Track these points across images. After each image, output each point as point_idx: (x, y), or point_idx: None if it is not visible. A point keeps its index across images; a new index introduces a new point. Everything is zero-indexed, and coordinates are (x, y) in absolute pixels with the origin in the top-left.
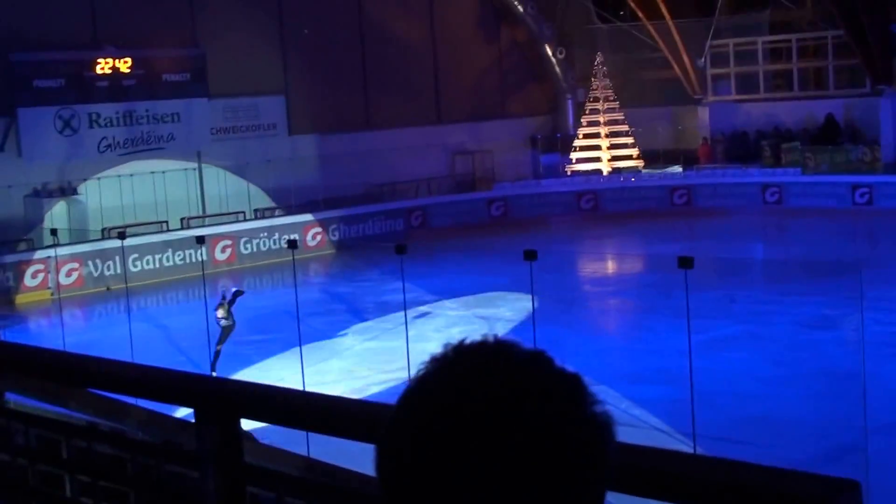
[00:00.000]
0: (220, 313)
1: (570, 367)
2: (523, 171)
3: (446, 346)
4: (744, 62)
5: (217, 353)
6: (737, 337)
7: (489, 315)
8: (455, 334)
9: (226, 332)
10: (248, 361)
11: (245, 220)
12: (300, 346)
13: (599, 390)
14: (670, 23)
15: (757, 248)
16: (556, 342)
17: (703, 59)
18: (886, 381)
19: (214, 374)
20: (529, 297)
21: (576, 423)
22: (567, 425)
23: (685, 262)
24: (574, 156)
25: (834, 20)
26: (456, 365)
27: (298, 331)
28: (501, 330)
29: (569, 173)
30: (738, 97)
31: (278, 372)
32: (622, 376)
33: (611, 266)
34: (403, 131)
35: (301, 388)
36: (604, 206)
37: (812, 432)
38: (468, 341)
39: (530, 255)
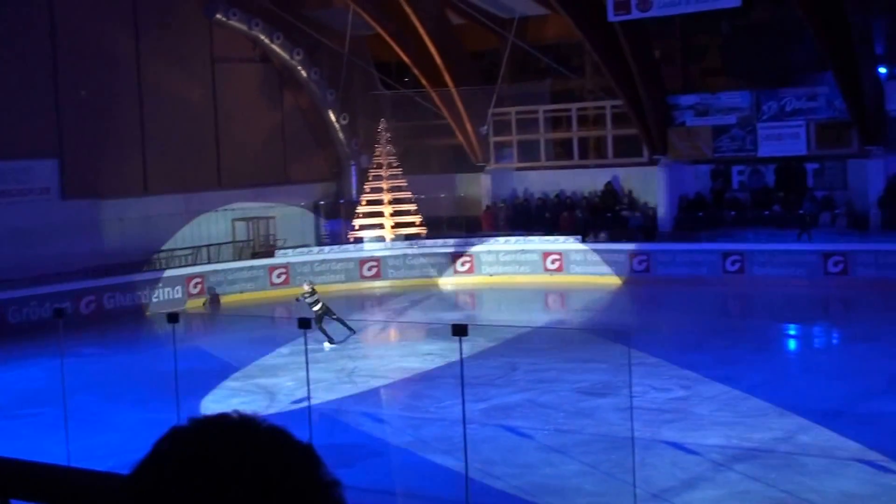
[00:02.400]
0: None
1: (303, 440)
2: (306, 237)
3: (189, 418)
4: (526, 130)
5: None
6: (519, 405)
7: (270, 385)
8: (235, 405)
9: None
10: (16, 436)
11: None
12: (65, 421)
13: (380, 462)
14: (453, 90)
15: (539, 315)
16: (337, 411)
17: (485, 127)
18: (661, 447)
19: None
20: (314, 366)
21: (312, 492)
22: (304, 495)
23: (459, 330)
24: (357, 222)
25: (613, 90)
26: (194, 438)
27: (64, 405)
28: (284, 400)
29: (352, 240)
30: (520, 165)
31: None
32: (405, 445)
33: (393, 334)
34: (183, 196)
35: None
36: (385, 273)
37: (589, 501)
38: (208, 415)
39: (304, 324)
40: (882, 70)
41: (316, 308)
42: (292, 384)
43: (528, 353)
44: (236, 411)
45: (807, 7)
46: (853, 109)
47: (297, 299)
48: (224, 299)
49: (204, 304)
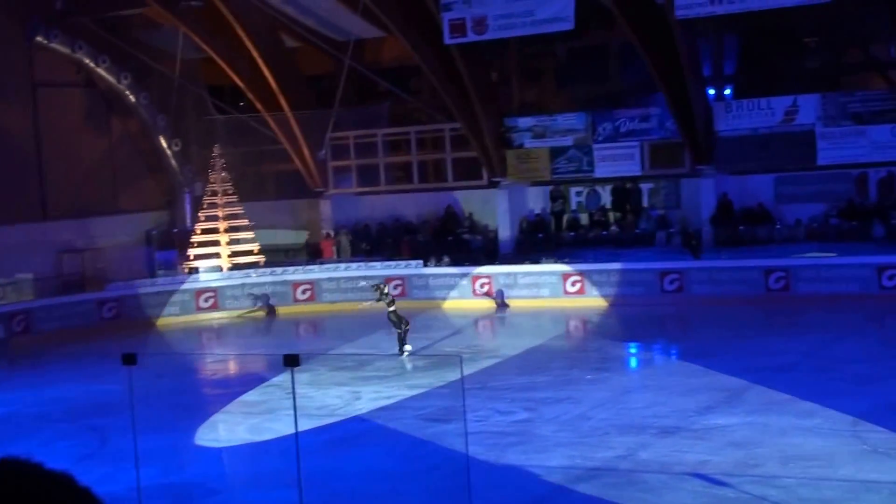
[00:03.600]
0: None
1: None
2: (138, 268)
3: None
4: (364, 154)
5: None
6: (363, 433)
7: (100, 425)
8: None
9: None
10: None
11: None
12: None
13: (217, 500)
14: (289, 114)
15: (382, 342)
16: (170, 448)
17: (323, 152)
18: (505, 470)
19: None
20: (141, 403)
21: None
22: None
23: (291, 360)
24: (192, 252)
25: (451, 113)
26: None
27: None
28: (115, 439)
29: (186, 271)
30: (359, 189)
31: None
32: (242, 480)
33: (232, 366)
34: (4, 229)
35: None
36: (223, 303)
37: None
38: None
39: (129, 360)
40: (710, 91)
41: (391, 310)
42: (122, 422)
43: (372, 380)
44: (16, 457)
45: (636, 29)
46: (684, 130)
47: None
48: (49, 335)
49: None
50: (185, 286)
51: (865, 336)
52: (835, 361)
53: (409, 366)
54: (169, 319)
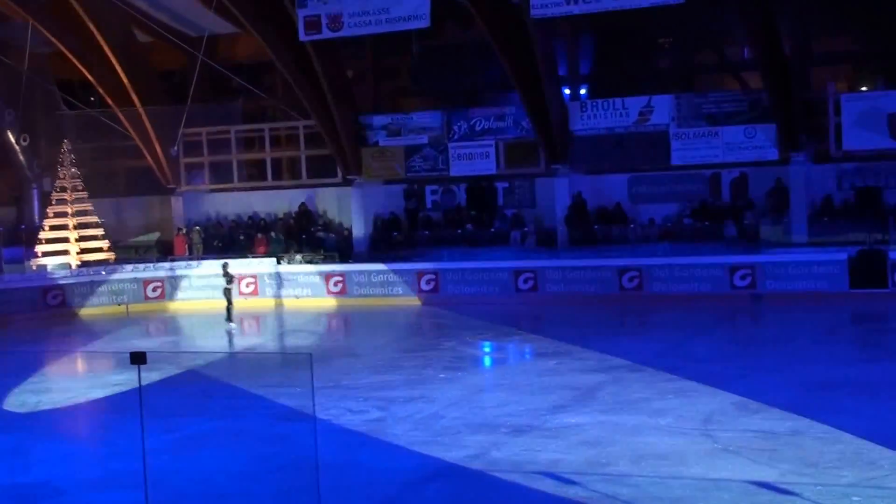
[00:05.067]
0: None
1: None
2: None
3: None
4: (217, 151)
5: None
6: (213, 433)
7: None
8: None
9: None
10: None
11: None
12: None
13: (62, 502)
14: (141, 110)
15: (233, 340)
16: (15, 450)
17: (175, 148)
18: (354, 470)
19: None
20: None
21: None
22: None
23: (138, 358)
24: (40, 249)
25: (305, 110)
26: None
27: None
28: None
29: (34, 267)
30: (212, 186)
31: None
32: (87, 483)
33: (79, 365)
34: None
35: None
36: (71, 301)
37: None
38: None
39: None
40: (566, 91)
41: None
42: None
43: (222, 379)
44: None
45: (493, 28)
46: (539, 129)
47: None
48: None
49: None
50: (33, 283)
51: (717, 335)
52: (687, 360)
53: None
54: (15, 316)
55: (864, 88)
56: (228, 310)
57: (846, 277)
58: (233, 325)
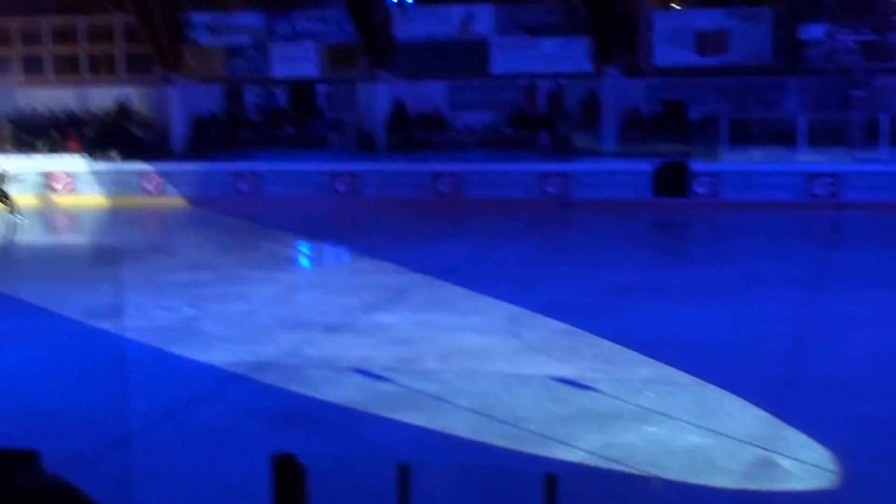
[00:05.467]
0: None
1: None
2: None
3: None
4: (29, 43)
5: None
6: (23, 329)
7: None
8: None
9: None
10: None
11: None
12: None
13: None
14: None
15: (44, 239)
16: None
17: None
18: (166, 366)
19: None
20: None
21: None
22: None
23: None
24: None
25: (124, 4)
26: None
27: None
28: None
29: None
30: (24, 79)
31: None
32: None
33: None
34: None
35: None
36: None
37: (87, 418)
38: None
39: None
40: None
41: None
42: None
43: (30, 277)
44: None
45: None
46: (362, 33)
47: None
48: None
49: None
50: None
51: (527, 240)
52: (497, 264)
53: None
54: None
55: (675, 6)
56: (9, 206)
57: (650, 186)
58: (20, 217)
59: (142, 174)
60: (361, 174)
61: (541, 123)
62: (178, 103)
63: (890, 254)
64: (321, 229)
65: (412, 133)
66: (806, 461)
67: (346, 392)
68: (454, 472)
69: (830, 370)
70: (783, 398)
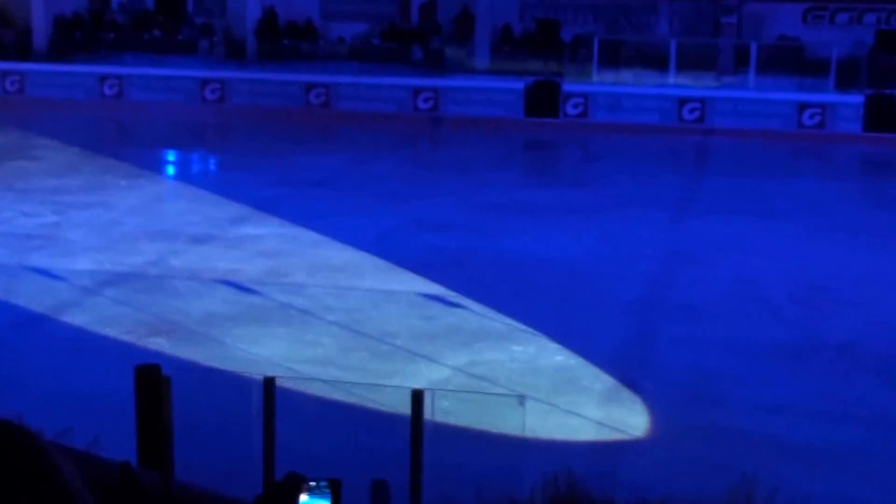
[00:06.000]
0: None
1: None
2: None
3: None
4: None
5: None
6: None
7: None
8: None
9: None
10: None
11: None
12: None
13: None
14: None
15: None
16: None
17: None
18: (29, 273)
19: None
20: None
21: None
22: None
23: None
24: None
25: None
26: None
27: None
28: None
29: None
30: None
31: None
32: None
33: None
34: None
35: None
36: None
37: None
38: None
39: None
40: None
41: None
42: None
43: None
44: None
45: None
46: None
47: None
48: None
49: None
50: None
51: (399, 156)
52: (368, 179)
53: None
54: None
55: None
56: None
57: (522, 105)
58: None
59: (1, 73)
60: (230, 82)
61: (414, 37)
62: (39, 2)
63: (754, 181)
64: (188, 137)
65: (283, 42)
66: (668, 383)
67: (212, 304)
68: (319, 387)
69: (695, 294)
70: (648, 321)
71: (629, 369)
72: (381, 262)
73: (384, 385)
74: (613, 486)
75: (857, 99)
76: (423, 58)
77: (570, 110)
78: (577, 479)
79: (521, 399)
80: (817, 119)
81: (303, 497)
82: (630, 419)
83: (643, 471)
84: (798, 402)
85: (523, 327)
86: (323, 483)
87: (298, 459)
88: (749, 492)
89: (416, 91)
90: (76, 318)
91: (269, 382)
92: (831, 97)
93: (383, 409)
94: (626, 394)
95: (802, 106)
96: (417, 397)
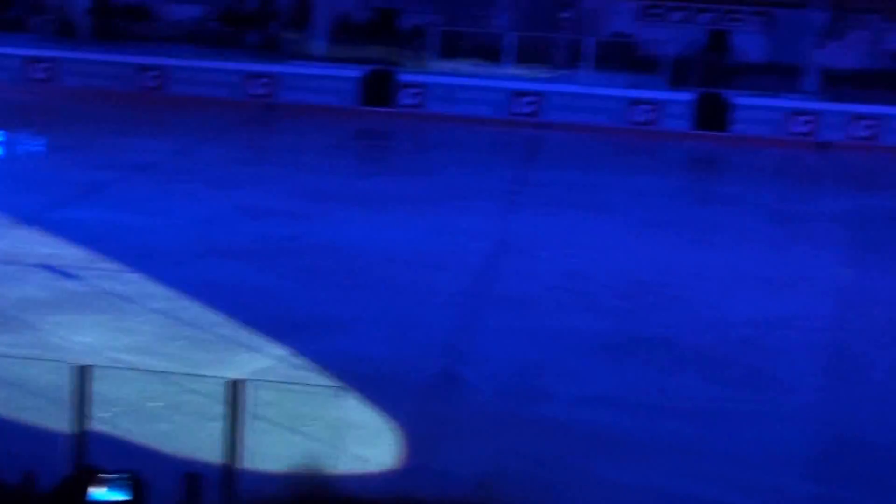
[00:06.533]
0: None
1: None
2: None
3: None
4: None
5: None
6: None
7: None
8: None
9: None
10: None
11: None
12: None
13: None
14: None
15: None
16: None
17: None
18: None
19: None
20: None
21: None
22: None
23: None
24: None
25: None
26: None
27: None
28: None
29: None
30: None
31: None
32: None
33: None
34: None
35: None
36: None
37: None
38: None
39: None
40: None
41: None
42: None
43: None
44: None
45: None
46: None
47: None
48: None
49: None
50: None
51: (230, 141)
52: (197, 163)
53: None
54: None
55: None
56: None
57: (357, 94)
58: None
59: None
60: (61, 61)
61: (250, 21)
62: None
63: (585, 175)
64: (13, 118)
65: (116, 21)
66: (491, 374)
67: (29, 289)
68: (135, 375)
69: (521, 286)
70: (474, 312)
71: (453, 360)
72: (204, 248)
73: (199, 375)
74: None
75: (687, 97)
76: (260, 43)
77: (406, 100)
78: (325, 476)
79: (341, 391)
80: (648, 115)
81: (100, 490)
82: (450, 411)
83: (462, 464)
84: (618, 395)
85: (346, 318)
86: (122, 476)
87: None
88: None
89: (252, 76)
90: None
91: (81, 371)
92: (662, 94)
93: (200, 398)
94: (450, 384)
95: (634, 102)
96: (235, 388)
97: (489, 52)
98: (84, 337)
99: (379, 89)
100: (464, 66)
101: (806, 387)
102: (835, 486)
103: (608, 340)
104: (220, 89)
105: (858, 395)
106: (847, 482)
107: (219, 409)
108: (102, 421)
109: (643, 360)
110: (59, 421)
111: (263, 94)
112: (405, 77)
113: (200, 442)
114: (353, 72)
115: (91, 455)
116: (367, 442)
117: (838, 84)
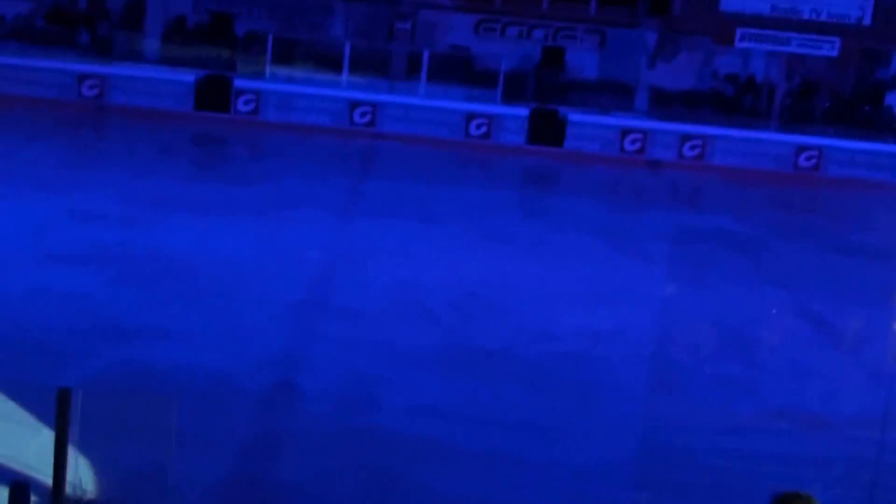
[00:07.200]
0: None
1: None
2: None
3: None
4: None
5: None
6: None
7: None
8: None
9: None
10: None
11: None
12: None
13: None
14: None
15: None
16: None
17: None
18: None
19: None
20: None
21: None
22: None
23: None
24: None
25: None
26: None
27: None
28: None
29: None
30: None
31: None
32: None
33: None
34: None
35: None
36: None
37: None
38: None
39: None
40: None
41: None
42: None
43: None
44: None
45: None
46: None
47: None
48: None
49: None
50: None
51: (59, 143)
52: (23, 167)
53: None
54: None
55: None
56: None
57: (192, 99)
58: None
59: None
60: None
61: (81, 21)
62: None
63: (420, 187)
64: None
65: None
66: (324, 386)
67: None
68: None
69: (354, 297)
70: (307, 323)
71: (286, 371)
72: (38, 254)
73: (32, 382)
74: None
75: (522, 112)
76: (90, 43)
77: (241, 106)
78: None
79: (172, 400)
80: (483, 129)
81: None
82: (285, 423)
83: (294, 473)
84: (447, 406)
85: (178, 327)
86: None
87: None
88: None
89: (81, 77)
90: None
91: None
92: (498, 109)
93: (33, 406)
94: (282, 395)
95: (470, 116)
96: (65, 396)
97: (326, 60)
98: None
99: (214, 94)
100: (300, 73)
101: (629, 398)
102: (650, 492)
103: (439, 352)
104: (49, 90)
105: (678, 405)
106: (663, 488)
107: (48, 418)
108: None
109: (473, 371)
110: None
111: (94, 96)
112: (241, 83)
113: (29, 451)
114: (187, 76)
115: None
116: None
117: (668, 104)
